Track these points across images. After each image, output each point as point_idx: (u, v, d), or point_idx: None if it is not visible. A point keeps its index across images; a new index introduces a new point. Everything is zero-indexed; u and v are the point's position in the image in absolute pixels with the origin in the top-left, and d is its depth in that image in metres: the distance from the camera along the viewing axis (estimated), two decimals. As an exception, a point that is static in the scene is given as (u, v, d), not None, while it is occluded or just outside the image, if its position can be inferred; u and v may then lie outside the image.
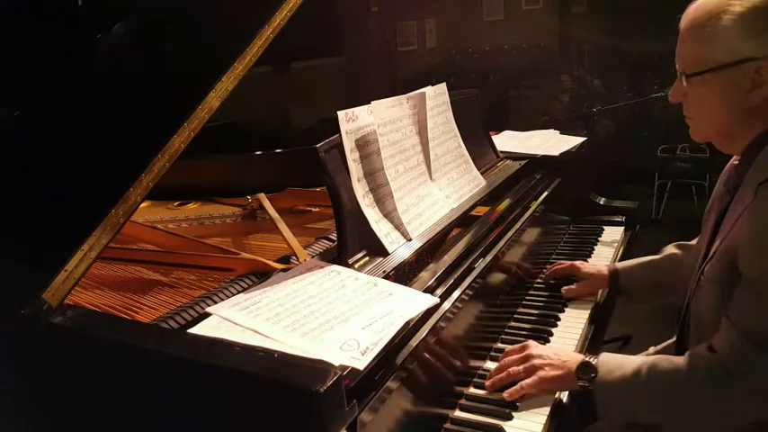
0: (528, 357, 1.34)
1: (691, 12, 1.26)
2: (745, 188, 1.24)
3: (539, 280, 1.89)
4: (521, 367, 1.32)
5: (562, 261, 1.89)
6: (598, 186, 2.52)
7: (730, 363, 1.14)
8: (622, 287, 1.73)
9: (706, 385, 1.16)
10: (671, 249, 1.70)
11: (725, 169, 1.45)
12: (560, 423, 1.29)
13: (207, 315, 1.05)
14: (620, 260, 2.10)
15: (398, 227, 1.39)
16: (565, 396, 1.35)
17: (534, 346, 1.38)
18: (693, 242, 1.66)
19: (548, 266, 1.92)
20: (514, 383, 1.31)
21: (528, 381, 1.30)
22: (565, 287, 1.78)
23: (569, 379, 1.29)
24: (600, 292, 1.81)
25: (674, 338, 1.51)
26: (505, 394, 1.30)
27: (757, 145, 1.24)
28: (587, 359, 1.29)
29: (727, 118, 1.26)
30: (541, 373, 1.30)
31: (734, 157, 1.38)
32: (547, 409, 1.29)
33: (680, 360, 1.21)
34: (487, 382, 1.35)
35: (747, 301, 1.15)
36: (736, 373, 1.13)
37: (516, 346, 1.41)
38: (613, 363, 1.26)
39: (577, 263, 1.83)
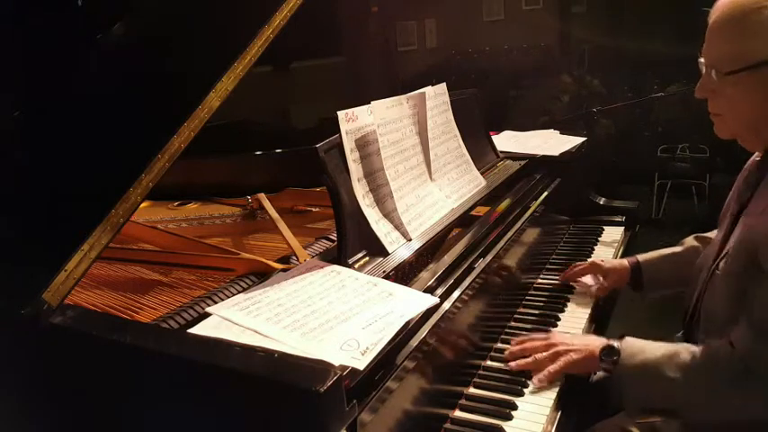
0: (551, 345, 1.39)
1: (723, 6, 1.22)
2: None
3: (540, 280, 1.90)
4: (546, 354, 1.37)
5: (578, 263, 1.86)
6: (598, 186, 2.51)
7: (750, 360, 1.14)
8: (645, 280, 1.72)
9: (725, 379, 1.17)
10: (691, 241, 1.68)
11: (745, 167, 1.44)
12: (560, 422, 1.29)
13: (207, 315, 1.05)
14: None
15: (398, 227, 1.39)
16: (565, 397, 1.35)
17: (557, 334, 1.45)
18: (712, 234, 1.66)
19: (553, 269, 1.92)
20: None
21: (554, 366, 1.35)
22: (594, 287, 1.78)
23: (591, 361, 1.33)
24: None
25: (681, 334, 1.51)
26: (535, 380, 1.35)
27: None
28: (611, 342, 1.32)
29: (760, 114, 1.24)
30: (565, 358, 1.36)
31: (755, 154, 1.37)
32: (547, 409, 1.30)
33: (701, 351, 1.22)
34: (513, 364, 1.40)
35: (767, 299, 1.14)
36: (756, 369, 1.13)
37: (540, 334, 1.48)
38: (636, 347, 1.29)
39: (597, 260, 1.81)
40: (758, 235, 1.18)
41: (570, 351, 1.36)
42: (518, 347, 1.43)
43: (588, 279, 1.82)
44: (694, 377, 1.20)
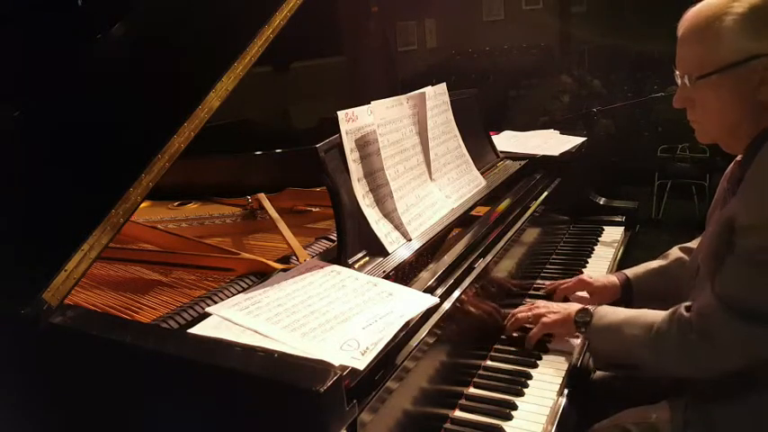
0: (534, 308, 1.55)
1: (690, 17, 1.28)
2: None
3: (540, 280, 1.89)
4: (527, 314, 1.55)
5: (566, 279, 1.79)
6: (598, 186, 2.51)
7: (698, 325, 1.22)
8: (635, 296, 1.68)
9: (675, 340, 1.26)
10: (677, 253, 1.66)
11: (727, 170, 1.45)
12: (560, 423, 1.29)
13: (207, 315, 1.05)
14: (620, 260, 2.10)
15: (398, 227, 1.39)
16: (564, 397, 1.36)
17: (540, 302, 1.61)
18: (694, 243, 1.65)
19: (553, 270, 1.91)
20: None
21: (534, 330, 1.51)
22: (578, 294, 1.73)
23: (568, 323, 1.47)
24: None
25: None
26: (515, 334, 1.55)
27: (760, 140, 1.25)
28: (586, 306, 1.46)
29: (735, 116, 1.28)
30: (544, 320, 1.51)
31: (738, 157, 1.38)
32: (547, 409, 1.30)
33: (661, 315, 1.32)
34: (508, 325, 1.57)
35: (737, 269, 1.19)
36: (700, 335, 1.21)
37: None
38: (606, 310, 1.43)
39: (585, 277, 1.74)
40: (731, 210, 1.22)
41: (549, 313, 1.51)
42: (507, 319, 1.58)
43: (583, 293, 1.74)
44: (650, 336, 1.29)
